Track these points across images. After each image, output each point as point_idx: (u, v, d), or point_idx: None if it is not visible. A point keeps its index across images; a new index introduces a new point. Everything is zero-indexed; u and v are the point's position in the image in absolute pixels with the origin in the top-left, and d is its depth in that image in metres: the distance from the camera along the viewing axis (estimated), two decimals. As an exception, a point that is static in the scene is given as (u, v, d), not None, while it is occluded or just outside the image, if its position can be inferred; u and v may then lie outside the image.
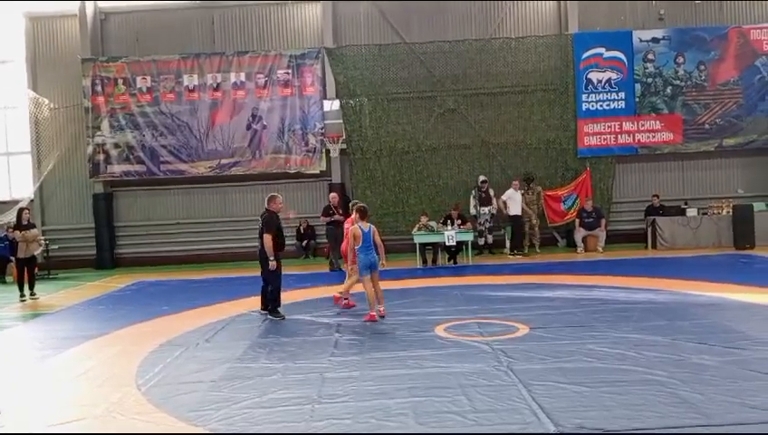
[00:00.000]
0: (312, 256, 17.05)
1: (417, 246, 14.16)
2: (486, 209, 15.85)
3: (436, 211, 15.57)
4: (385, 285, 8.95)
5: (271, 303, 8.95)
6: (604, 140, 16.75)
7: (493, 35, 17.11)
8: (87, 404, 5.49)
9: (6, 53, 17.83)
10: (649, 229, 15.71)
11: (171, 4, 17.53)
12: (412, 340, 7.17)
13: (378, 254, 8.62)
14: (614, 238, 16.17)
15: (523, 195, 15.51)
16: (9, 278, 15.31)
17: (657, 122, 16.73)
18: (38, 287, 12.88)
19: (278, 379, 5.90)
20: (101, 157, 17.11)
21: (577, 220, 15.79)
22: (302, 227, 17.09)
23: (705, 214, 15.57)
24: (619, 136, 16.74)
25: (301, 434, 4.57)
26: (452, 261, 14.32)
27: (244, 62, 17.08)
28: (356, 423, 4.68)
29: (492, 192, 15.98)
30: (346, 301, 9.38)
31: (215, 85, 17.08)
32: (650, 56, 16.68)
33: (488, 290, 10.36)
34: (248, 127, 17.11)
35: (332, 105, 17.02)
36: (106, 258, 17.17)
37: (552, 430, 4.36)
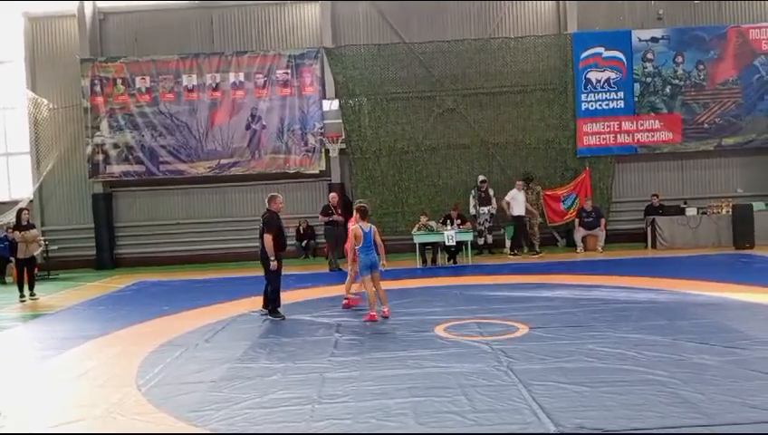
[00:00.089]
0: (311, 256, 17.05)
1: (417, 245, 14.16)
2: (486, 209, 15.87)
3: (435, 211, 15.57)
4: (385, 284, 8.93)
5: (271, 303, 8.95)
6: (603, 139, 16.76)
7: (492, 35, 17.11)
8: (87, 405, 5.49)
9: (5, 54, 17.82)
10: (649, 229, 15.71)
11: (170, 5, 17.53)
12: (412, 340, 7.17)
13: (378, 254, 8.62)
14: (613, 238, 16.18)
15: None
16: (9, 279, 15.31)
17: (657, 122, 16.74)
18: (38, 288, 12.88)
19: (278, 379, 5.90)
20: (101, 157, 17.11)
21: (576, 220, 15.80)
22: (301, 227, 17.09)
23: (705, 213, 15.57)
24: (619, 135, 16.75)
25: (301, 434, 4.57)
26: (452, 261, 14.32)
27: (243, 62, 17.08)
28: (356, 423, 4.68)
29: (491, 192, 16.01)
30: (347, 300, 9.38)
31: (214, 85, 17.08)
32: (649, 56, 16.69)
33: (488, 290, 10.36)
34: (247, 127, 17.11)
35: (332, 105, 17.02)
36: (106, 259, 17.17)
37: (553, 429, 4.36)
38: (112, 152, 17.11)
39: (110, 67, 17.04)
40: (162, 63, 17.06)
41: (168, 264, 16.95)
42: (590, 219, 15.63)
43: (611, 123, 16.72)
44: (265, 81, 17.05)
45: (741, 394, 4.87)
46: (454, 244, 13.87)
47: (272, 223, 8.85)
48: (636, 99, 16.71)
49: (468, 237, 14.28)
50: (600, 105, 16.74)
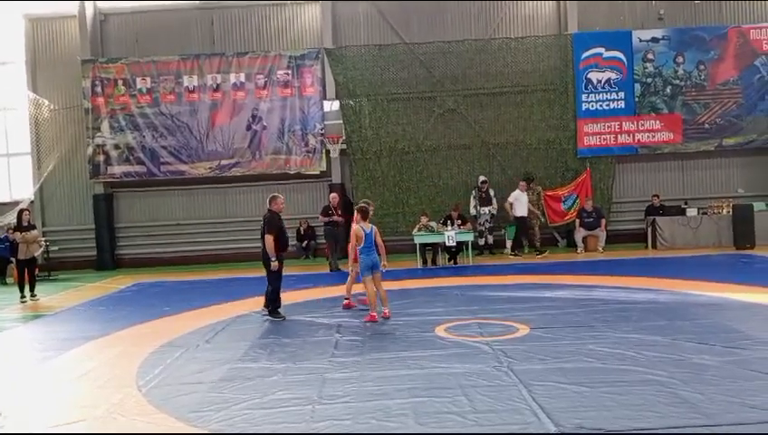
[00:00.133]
0: (312, 256, 17.05)
1: (418, 246, 14.16)
2: (486, 210, 15.87)
3: (436, 211, 15.57)
4: (385, 285, 8.93)
5: (271, 304, 8.95)
6: (604, 139, 16.76)
7: (492, 35, 17.11)
8: (88, 405, 5.49)
9: (6, 55, 17.84)
10: (649, 229, 15.71)
11: (171, 5, 17.54)
12: (412, 340, 7.17)
13: (379, 254, 8.62)
14: (614, 238, 16.18)
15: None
16: (9, 280, 15.32)
17: (657, 122, 16.74)
18: (38, 289, 12.88)
19: (278, 380, 5.91)
20: (101, 158, 17.12)
21: (577, 220, 15.80)
22: (302, 228, 17.10)
23: (705, 214, 15.57)
24: (619, 136, 16.75)
25: (301, 434, 4.59)
26: (452, 261, 14.32)
27: (243, 62, 17.09)
28: (356, 424, 4.68)
29: (492, 192, 16.01)
30: (347, 301, 9.39)
31: (214, 86, 17.09)
32: (650, 56, 16.68)
33: (488, 290, 10.37)
34: (248, 128, 17.12)
35: (332, 106, 17.03)
36: (106, 259, 17.18)
37: (553, 430, 4.36)
38: (113, 153, 17.12)
39: (110, 68, 17.05)
40: (163, 64, 17.08)
41: (169, 264, 16.96)
42: (591, 220, 15.63)
43: (612, 124, 16.71)
44: (266, 81, 17.06)
45: (740, 394, 4.87)
46: (454, 244, 13.87)
47: (272, 223, 8.86)
48: (636, 99, 16.70)
49: (469, 238, 14.28)
50: (601, 105, 16.74)
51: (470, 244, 14.43)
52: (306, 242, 17.10)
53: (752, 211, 14.82)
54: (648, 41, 16.67)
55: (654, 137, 16.76)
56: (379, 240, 8.64)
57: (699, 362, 5.75)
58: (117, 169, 17.18)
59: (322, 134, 16.99)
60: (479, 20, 17.39)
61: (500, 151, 16.86)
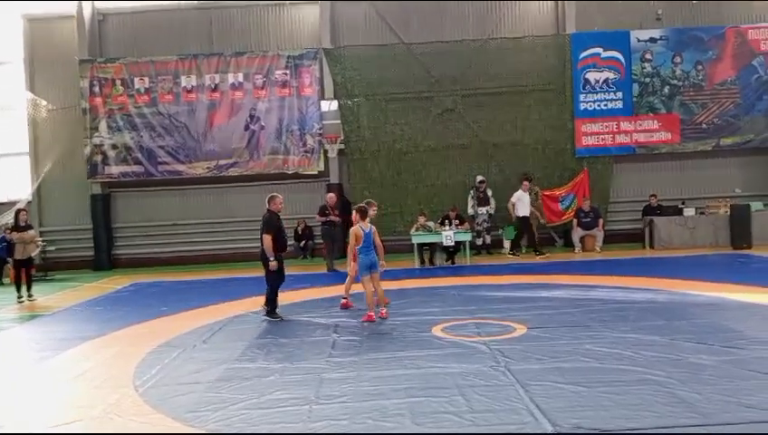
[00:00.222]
0: (310, 256, 17.04)
1: (415, 246, 14.17)
2: (484, 210, 15.88)
3: (434, 211, 15.57)
4: (383, 285, 8.94)
5: (270, 303, 8.94)
6: (602, 139, 16.76)
7: (490, 36, 17.10)
8: (84, 405, 5.49)
9: (4, 55, 17.82)
10: (647, 229, 15.72)
11: (169, 5, 17.52)
12: (410, 340, 7.17)
13: (377, 255, 8.62)
14: (611, 238, 16.19)
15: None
16: (6, 280, 15.29)
17: (655, 122, 16.75)
18: (35, 289, 12.84)
19: (276, 380, 5.90)
20: (99, 158, 17.10)
21: (574, 220, 15.80)
22: (299, 228, 17.09)
23: (703, 213, 15.60)
24: (617, 136, 16.76)
25: (298, 434, 4.58)
26: (450, 261, 14.32)
27: (241, 62, 17.08)
28: (353, 424, 4.67)
29: (489, 192, 16.03)
30: (345, 300, 9.39)
31: (212, 86, 17.07)
32: (648, 56, 16.69)
33: (486, 290, 10.37)
34: (246, 128, 17.11)
35: (330, 106, 17.02)
36: (104, 259, 17.16)
37: (550, 430, 4.36)
38: (111, 153, 17.11)
39: (108, 68, 17.04)
40: (161, 64, 17.06)
41: (167, 264, 16.94)
42: (588, 219, 15.65)
43: (610, 124, 16.73)
44: (264, 81, 17.04)
45: (738, 394, 4.87)
46: (452, 244, 13.87)
47: (270, 223, 8.85)
48: (634, 99, 16.71)
49: (466, 238, 14.28)
50: (599, 105, 16.75)
51: (468, 244, 14.42)
52: (304, 242, 17.09)
53: (749, 211, 14.85)
54: (646, 41, 16.69)
55: (651, 137, 16.77)
56: (377, 240, 8.64)
57: (697, 362, 5.75)
58: (114, 169, 17.16)
59: (320, 134, 16.99)
60: (477, 20, 17.38)
61: (498, 151, 16.85)
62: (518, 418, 4.61)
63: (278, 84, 17.05)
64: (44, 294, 12.99)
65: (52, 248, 16.97)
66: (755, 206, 15.24)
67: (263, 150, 17.07)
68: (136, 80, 17.05)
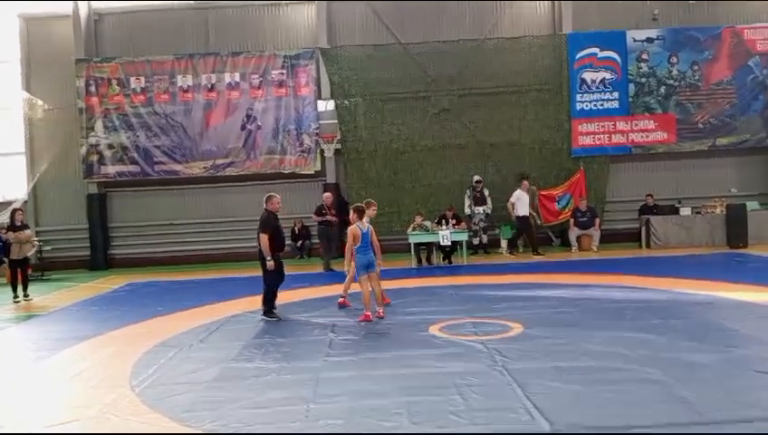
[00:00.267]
0: (307, 256, 17.03)
1: (412, 245, 14.17)
2: (481, 209, 15.89)
3: (430, 211, 15.56)
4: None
5: (267, 303, 8.94)
6: (598, 139, 16.79)
7: (487, 36, 17.10)
8: (81, 405, 5.47)
9: (0, 54, 17.73)
10: (643, 228, 15.75)
11: (165, 5, 17.48)
12: (407, 340, 7.17)
13: (374, 254, 8.62)
14: (608, 238, 16.21)
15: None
16: (2, 280, 15.21)
17: (651, 122, 16.78)
18: (31, 289, 12.82)
19: (273, 379, 5.90)
20: (95, 157, 17.05)
21: (571, 220, 15.83)
22: (296, 228, 17.07)
23: (699, 213, 15.64)
24: (613, 136, 16.78)
25: (296, 434, 4.56)
26: (447, 261, 14.32)
27: (238, 62, 17.05)
28: (351, 423, 4.67)
29: (486, 192, 16.04)
30: (342, 299, 9.39)
31: (209, 86, 17.04)
32: (644, 56, 16.72)
33: (483, 289, 10.37)
34: (243, 127, 17.08)
35: (327, 105, 17.01)
36: (100, 259, 17.11)
37: (547, 428, 4.37)
38: (107, 153, 17.06)
39: (104, 67, 16.99)
40: (157, 64, 17.02)
41: (163, 264, 16.89)
42: (585, 219, 15.68)
43: (606, 123, 16.75)
44: (261, 81, 17.02)
45: (734, 393, 4.89)
46: (449, 244, 13.86)
47: (267, 223, 8.85)
48: (630, 99, 16.74)
49: (463, 237, 14.28)
50: (595, 105, 16.77)
51: (464, 243, 14.42)
52: (301, 242, 17.07)
53: (745, 211, 14.90)
54: (642, 41, 16.71)
55: (648, 137, 16.80)
56: (375, 240, 8.65)
57: (693, 361, 5.76)
58: (110, 169, 17.12)
59: (317, 134, 16.97)
60: (474, 20, 17.38)
61: (495, 151, 16.85)
62: (515, 417, 4.61)
63: (275, 84, 17.03)
64: (40, 294, 12.96)
65: (48, 248, 16.91)
66: (751, 205, 15.30)
67: (259, 150, 17.05)
68: (132, 79, 17.01)
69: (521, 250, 15.55)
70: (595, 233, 15.67)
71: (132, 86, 17.00)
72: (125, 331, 8.64)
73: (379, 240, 8.94)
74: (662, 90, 16.75)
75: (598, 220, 15.78)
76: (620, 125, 16.76)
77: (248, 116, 17.07)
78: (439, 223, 14.36)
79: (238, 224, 16.86)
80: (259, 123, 17.04)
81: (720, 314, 7.71)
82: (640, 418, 4.48)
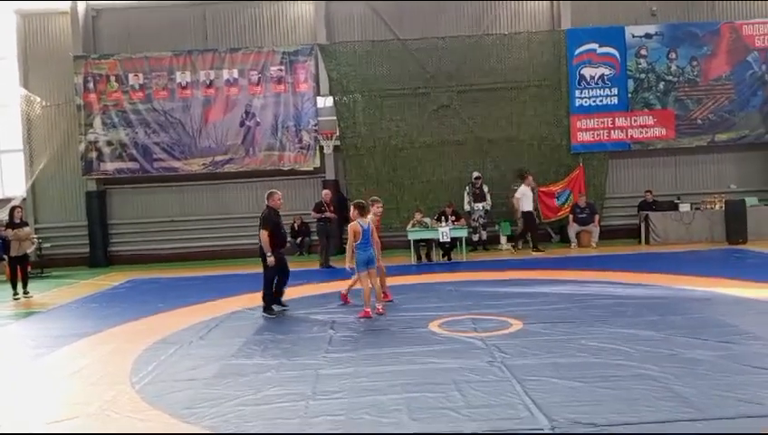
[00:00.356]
0: (306, 253, 17.01)
1: (412, 242, 14.17)
2: (480, 205, 15.89)
3: (430, 208, 15.56)
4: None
5: (268, 299, 8.94)
6: (597, 135, 16.78)
7: (486, 32, 17.08)
8: (81, 402, 5.48)
9: (-2, 51, 17.73)
10: (642, 224, 15.76)
11: (163, 2, 17.41)
12: (406, 336, 7.18)
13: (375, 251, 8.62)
14: (607, 234, 16.22)
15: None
16: (1, 277, 15.22)
17: (650, 118, 16.77)
18: (31, 286, 12.83)
19: (272, 376, 5.91)
20: (94, 154, 17.02)
21: (570, 216, 15.84)
22: (296, 224, 17.07)
23: (698, 209, 15.64)
24: (612, 132, 16.78)
25: (295, 433, 4.57)
26: (446, 257, 14.33)
27: (236, 58, 17.01)
28: (350, 420, 4.68)
29: (485, 188, 16.03)
30: (345, 294, 9.40)
31: (207, 82, 17.01)
32: (643, 52, 16.70)
33: (482, 286, 10.39)
34: (241, 124, 17.06)
35: (326, 102, 16.97)
36: (99, 256, 17.10)
37: (546, 424, 4.38)
38: (106, 150, 17.03)
39: (103, 64, 16.95)
40: (155, 60, 16.98)
41: (163, 261, 16.89)
42: (584, 215, 15.68)
43: (605, 119, 16.73)
44: (259, 77, 16.99)
45: (733, 388, 4.90)
46: (448, 240, 13.88)
47: (267, 219, 8.87)
48: (629, 95, 16.72)
49: (463, 234, 14.29)
50: (594, 101, 16.75)
51: (464, 240, 14.44)
52: (300, 238, 17.07)
53: (744, 206, 14.91)
54: (641, 37, 16.69)
55: (647, 133, 16.79)
56: (375, 237, 8.66)
57: (692, 357, 5.78)
58: (109, 166, 17.09)
59: (316, 130, 16.95)
60: (473, 16, 17.35)
61: (493, 147, 16.84)
62: (514, 413, 4.63)
63: (273, 80, 17.00)
64: (40, 291, 12.96)
65: (48, 245, 16.90)
66: (750, 201, 15.31)
67: (258, 147, 17.03)
68: (130, 76, 16.97)
69: (520, 246, 15.56)
70: (594, 229, 15.68)
71: (131, 83, 16.96)
72: (125, 328, 8.65)
73: (379, 237, 8.94)
74: (661, 85, 16.74)
75: (597, 216, 15.79)
76: (619, 121, 16.74)
77: (247, 112, 17.04)
78: (438, 219, 14.37)
79: (237, 220, 16.85)
80: (258, 120, 17.02)
81: (719, 310, 7.72)
82: (639, 413, 4.49)
